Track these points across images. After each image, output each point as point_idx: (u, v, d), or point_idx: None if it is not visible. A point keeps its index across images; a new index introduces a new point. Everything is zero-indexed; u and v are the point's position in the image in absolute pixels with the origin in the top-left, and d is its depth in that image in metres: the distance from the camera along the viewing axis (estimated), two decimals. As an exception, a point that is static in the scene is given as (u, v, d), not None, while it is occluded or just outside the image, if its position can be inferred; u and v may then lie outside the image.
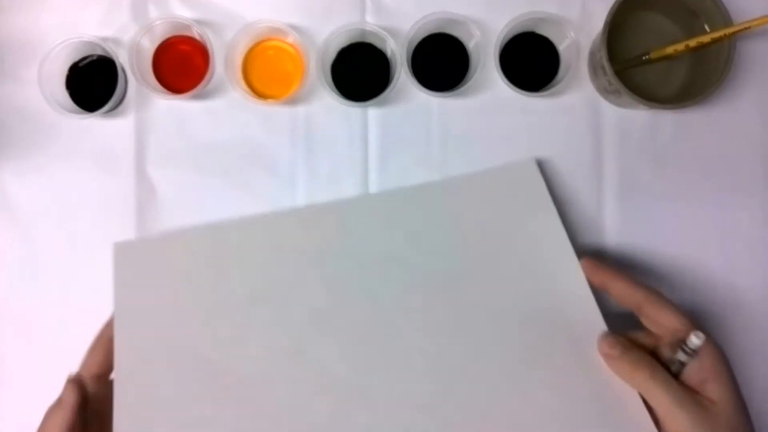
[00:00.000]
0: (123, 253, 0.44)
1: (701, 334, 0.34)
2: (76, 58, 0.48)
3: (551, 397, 0.39)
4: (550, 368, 0.40)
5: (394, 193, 0.47)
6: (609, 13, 0.43)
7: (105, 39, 0.47)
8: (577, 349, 0.40)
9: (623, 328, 0.40)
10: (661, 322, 0.38)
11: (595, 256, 0.42)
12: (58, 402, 0.38)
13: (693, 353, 0.35)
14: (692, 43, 0.44)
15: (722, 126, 0.48)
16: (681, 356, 0.35)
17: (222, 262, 0.44)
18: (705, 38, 0.43)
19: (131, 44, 0.46)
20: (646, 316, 0.39)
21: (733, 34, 0.42)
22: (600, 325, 0.40)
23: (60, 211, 0.49)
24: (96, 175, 0.49)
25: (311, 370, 0.41)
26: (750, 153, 0.48)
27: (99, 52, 0.48)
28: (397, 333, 0.42)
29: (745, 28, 0.42)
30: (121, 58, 0.47)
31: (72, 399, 0.38)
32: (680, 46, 0.44)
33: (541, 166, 0.47)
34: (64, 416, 0.37)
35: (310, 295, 0.43)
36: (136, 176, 0.48)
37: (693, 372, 0.35)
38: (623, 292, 0.39)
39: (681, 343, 0.35)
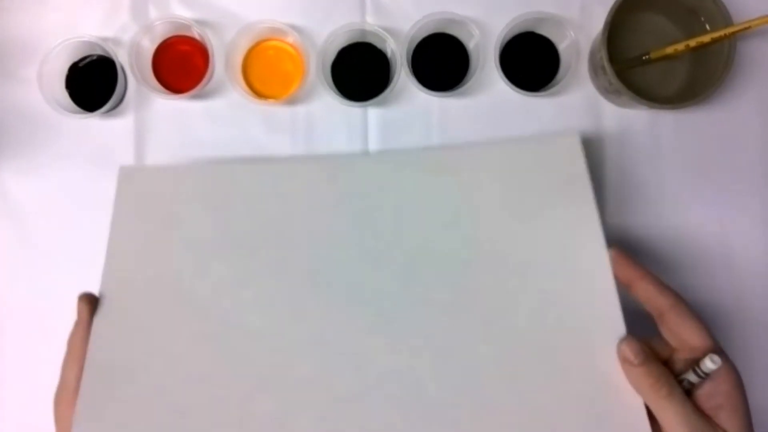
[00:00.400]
0: (127, 176, 0.44)
1: (717, 359, 0.32)
2: (76, 58, 0.48)
3: (548, 391, 0.37)
4: (553, 359, 0.38)
5: (416, 152, 0.46)
6: (609, 13, 0.43)
7: (105, 39, 0.47)
8: (586, 345, 0.38)
9: (635, 330, 0.38)
10: (681, 336, 0.35)
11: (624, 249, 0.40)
12: (76, 322, 0.40)
13: (705, 376, 0.33)
14: (692, 42, 0.44)
15: (722, 126, 0.48)
16: (692, 377, 0.34)
17: (222, 202, 0.43)
18: (705, 38, 0.43)
19: (131, 44, 0.46)
20: (666, 326, 0.36)
21: (734, 33, 0.42)
22: (619, 326, 0.38)
23: (59, 211, 0.49)
24: (96, 175, 0.49)
25: (299, 322, 0.39)
26: (750, 153, 0.48)
27: (99, 52, 0.48)
28: (394, 299, 0.40)
29: (746, 28, 0.42)
30: (121, 58, 0.47)
31: (85, 314, 0.39)
32: (680, 46, 0.44)
33: None
34: (82, 332, 0.39)
35: (309, 246, 0.41)
36: (136, 176, 0.48)
37: (707, 395, 0.34)
38: (649, 295, 0.37)
39: (694, 364, 0.33)
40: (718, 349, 0.34)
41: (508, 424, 0.37)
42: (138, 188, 0.44)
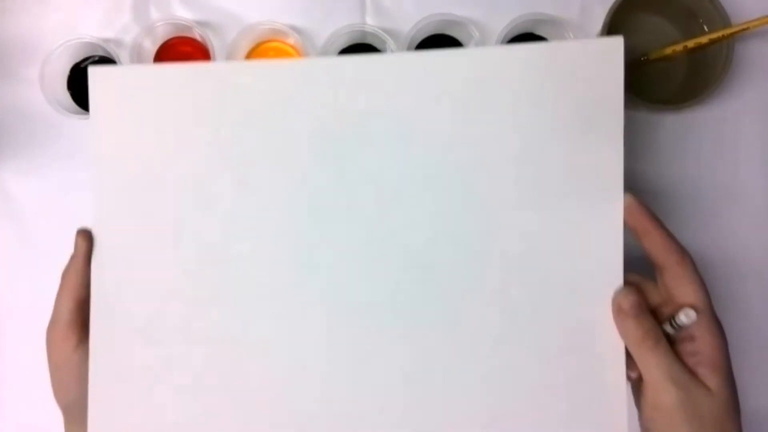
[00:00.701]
0: (100, 81, 0.38)
1: (693, 314, 0.34)
2: (77, 58, 0.48)
3: (532, 321, 0.37)
4: (541, 289, 0.37)
5: (433, 53, 0.39)
6: (608, 14, 0.43)
7: (106, 40, 0.47)
8: (580, 279, 0.37)
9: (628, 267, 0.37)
10: (677, 292, 0.36)
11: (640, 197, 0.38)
12: (72, 255, 0.39)
13: (678, 329, 0.35)
14: (691, 44, 0.44)
15: (721, 127, 0.48)
16: (667, 327, 0.35)
17: (216, 102, 0.38)
18: (703, 39, 0.43)
19: (133, 45, 0.46)
20: (666, 280, 0.36)
21: (732, 34, 0.43)
22: (617, 271, 0.37)
23: (60, 211, 0.49)
24: (97, 176, 0.49)
25: (299, 251, 0.38)
26: (749, 152, 0.48)
27: (100, 53, 0.48)
28: (395, 223, 0.38)
29: (744, 29, 0.42)
30: (123, 59, 0.47)
31: (83, 247, 0.39)
32: (679, 47, 0.44)
33: None
34: (78, 265, 0.38)
35: (309, 166, 0.38)
36: (137, 176, 0.49)
37: (688, 353, 0.35)
38: (657, 248, 0.36)
39: (671, 317, 0.35)
40: (710, 313, 0.35)
41: (491, 347, 0.37)
42: (116, 96, 0.38)
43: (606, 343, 0.36)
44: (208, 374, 0.38)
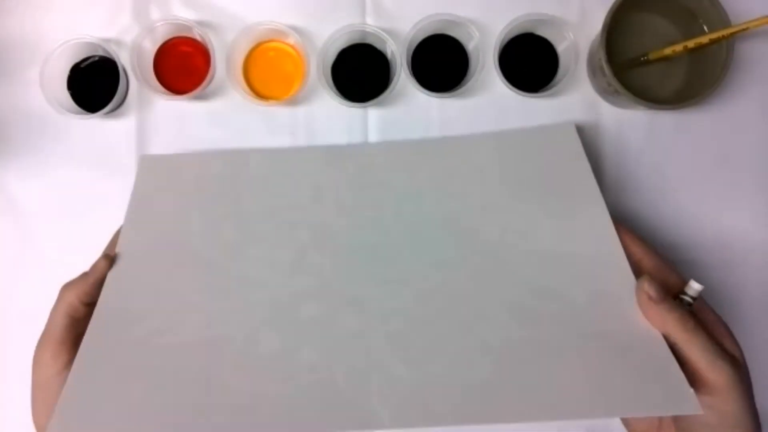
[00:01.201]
0: (146, 164, 0.47)
1: (697, 284, 0.35)
2: (77, 58, 0.48)
3: (568, 338, 0.36)
4: (566, 306, 0.38)
5: (421, 141, 0.48)
6: (608, 14, 0.43)
7: (107, 40, 0.47)
8: (600, 293, 0.38)
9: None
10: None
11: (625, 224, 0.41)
12: (83, 274, 0.40)
13: (690, 305, 0.36)
14: (691, 44, 0.44)
15: (720, 126, 0.48)
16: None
17: (236, 182, 0.46)
18: (703, 39, 0.43)
19: (133, 45, 0.46)
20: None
21: (732, 35, 0.43)
22: (628, 274, 0.38)
23: (62, 211, 0.49)
24: (98, 176, 0.49)
25: (306, 277, 0.40)
26: (748, 153, 0.48)
27: (101, 53, 0.48)
28: (400, 258, 0.41)
29: (744, 29, 0.42)
30: (123, 59, 0.47)
31: (103, 269, 0.40)
32: (679, 47, 0.44)
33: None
34: (88, 281, 0.39)
35: (316, 217, 0.44)
36: (138, 176, 0.49)
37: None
38: (627, 246, 0.39)
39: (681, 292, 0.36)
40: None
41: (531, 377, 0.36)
42: (155, 174, 0.47)
43: (645, 339, 0.35)
44: (195, 383, 0.37)
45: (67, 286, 0.39)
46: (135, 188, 0.45)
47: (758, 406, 0.34)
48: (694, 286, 0.36)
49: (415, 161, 0.46)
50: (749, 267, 0.48)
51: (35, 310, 0.49)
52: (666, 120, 0.49)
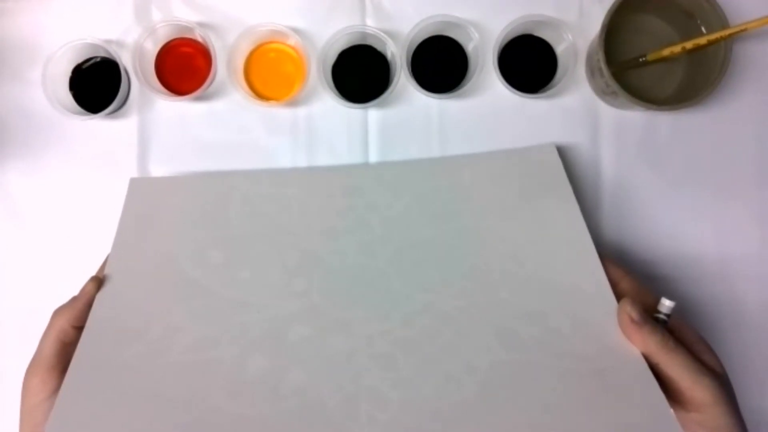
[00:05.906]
0: (135, 187, 0.46)
1: (669, 301, 0.36)
2: (79, 59, 0.48)
3: (548, 356, 0.37)
4: (545, 323, 0.38)
5: (406, 163, 0.48)
6: (606, 15, 0.44)
7: (108, 41, 0.47)
8: (580, 314, 0.38)
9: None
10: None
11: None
12: (73, 299, 0.40)
13: (664, 323, 0.36)
14: (689, 45, 0.44)
15: (719, 127, 0.49)
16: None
17: (224, 205, 0.45)
18: (701, 40, 0.44)
19: (134, 46, 0.46)
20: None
21: (730, 35, 0.43)
22: (609, 297, 0.39)
23: (63, 212, 0.49)
24: (99, 176, 0.49)
25: (294, 300, 0.40)
26: (746, 153, 0.49)
27: (102, 54, 0.48)
28: (387, 281, 0.41)
29: (742, 30, 0.42)
30: (124, 60, 0.48)
31: (91, 291, 0.40)
32: (677, 48, 0.44)
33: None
34: (77, 305, 0.39)
35: (303, 240, 0.44)
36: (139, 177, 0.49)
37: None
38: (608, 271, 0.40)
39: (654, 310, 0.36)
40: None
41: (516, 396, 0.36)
42: (144, 196, 0.46)
43: (625, 360, 0.36)
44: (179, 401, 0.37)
45: (58, 312, 0.39)
46: (124, 211, 0.45)
47: (749, 408, 0.34)
48: (667, 303, 0.36)
49: (400, 184, 0.46)
50: (745, 267, 0.48)
51: (35, 309, 0.49)
52: (664, 120, 0.49)
